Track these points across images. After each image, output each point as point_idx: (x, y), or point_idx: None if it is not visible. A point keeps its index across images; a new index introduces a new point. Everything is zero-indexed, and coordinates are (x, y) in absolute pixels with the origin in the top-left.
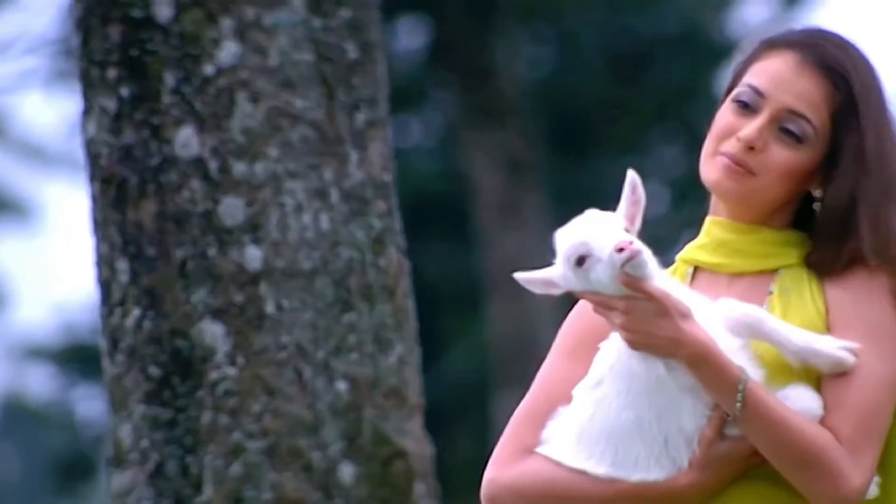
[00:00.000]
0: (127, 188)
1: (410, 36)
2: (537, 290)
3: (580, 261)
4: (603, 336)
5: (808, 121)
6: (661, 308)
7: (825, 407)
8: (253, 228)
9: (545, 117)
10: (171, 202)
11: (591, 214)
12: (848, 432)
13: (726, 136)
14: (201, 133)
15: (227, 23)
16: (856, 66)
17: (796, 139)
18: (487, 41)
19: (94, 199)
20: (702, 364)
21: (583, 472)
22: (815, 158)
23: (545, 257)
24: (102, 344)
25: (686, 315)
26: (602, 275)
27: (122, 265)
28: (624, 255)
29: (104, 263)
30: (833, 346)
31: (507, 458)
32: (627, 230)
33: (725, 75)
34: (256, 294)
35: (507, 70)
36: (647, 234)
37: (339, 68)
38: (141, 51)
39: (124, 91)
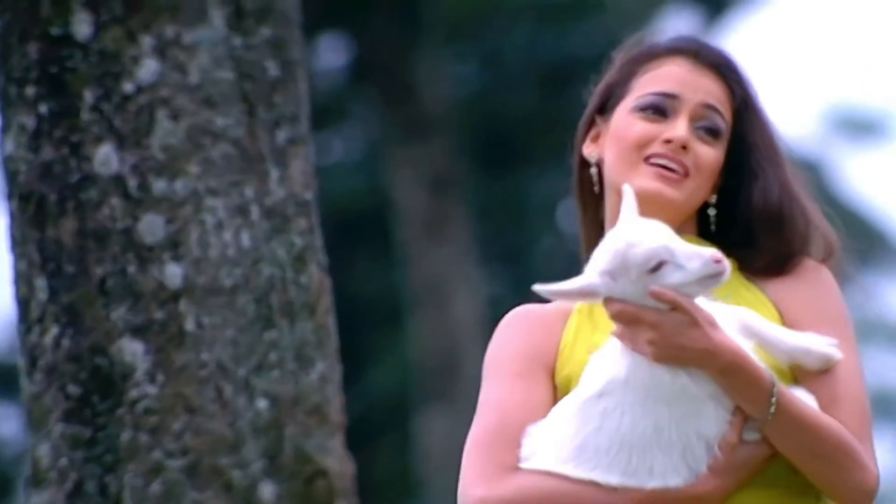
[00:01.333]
0: (46, 205)
1: (332, 53)
2: (568, 301)
3: (657, 266)
4: (551, 355)
5: (721, 115)
6: (692, 319)
7: (820, 405)
8: (173, 246)
9: (469, 133)
10: (91, 219)
11: (648, 223)
12: (853, 425)
13: (645, 144)
14: (121, 150)
15: (147, 41)
16: (739, 64)
17: (713, 135)
18: (410, 57)
19: (13, 217)
20: (735, 372)
21: (591, 483)
22: (722, 157)
23: (469, 273)
24: (21, 362)
25: (714, 324)
26: (677, 281)
27: (41, 283)
28: (719, 266)
29: (22, 281)
30: (822, 344)
31: (492, 475)
32: None
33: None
34: (177, 311)
35: (430, 86)
36: (571, 251)
37: (260, 86)
38: (60, 68)
39: (43, 108)
